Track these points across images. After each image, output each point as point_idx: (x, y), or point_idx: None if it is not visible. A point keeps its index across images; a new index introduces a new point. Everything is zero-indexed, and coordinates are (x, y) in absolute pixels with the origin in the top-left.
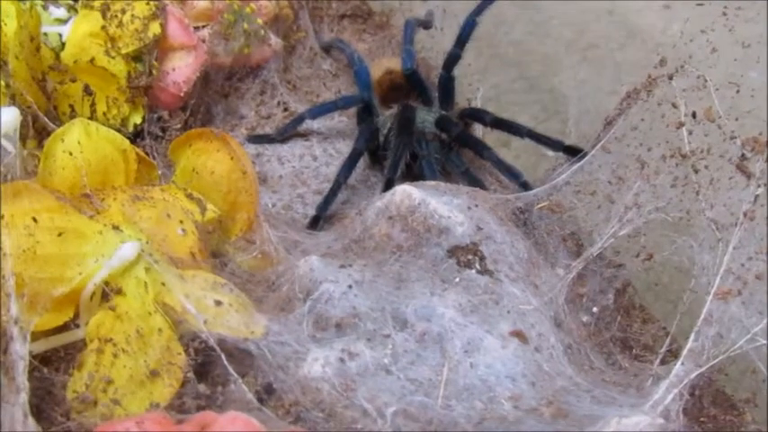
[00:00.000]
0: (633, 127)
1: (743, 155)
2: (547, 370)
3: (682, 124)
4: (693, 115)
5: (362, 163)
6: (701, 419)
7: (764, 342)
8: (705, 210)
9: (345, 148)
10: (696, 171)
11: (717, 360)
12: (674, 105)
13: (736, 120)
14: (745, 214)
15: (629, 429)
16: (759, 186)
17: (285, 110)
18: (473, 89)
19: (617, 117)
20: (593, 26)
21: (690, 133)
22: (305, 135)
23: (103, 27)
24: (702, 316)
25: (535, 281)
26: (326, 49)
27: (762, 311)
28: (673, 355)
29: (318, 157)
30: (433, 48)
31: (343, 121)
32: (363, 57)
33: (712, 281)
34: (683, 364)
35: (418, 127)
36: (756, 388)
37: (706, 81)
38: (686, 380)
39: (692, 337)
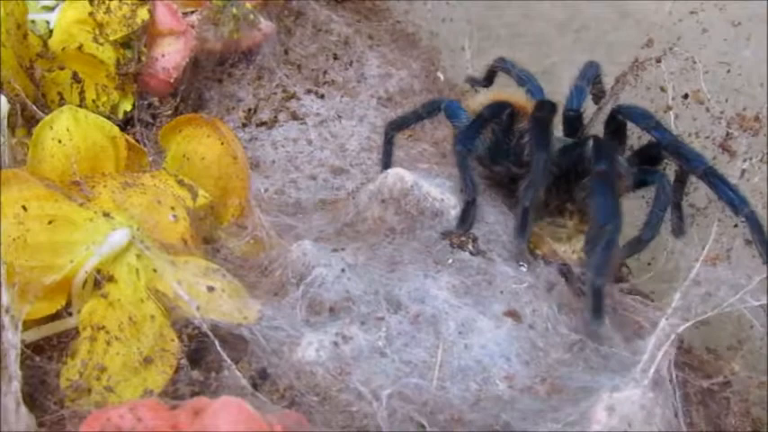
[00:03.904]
0: None
1: (727, 133)
2: (541, 346)
3: (669, 108)
4: (686, 96)
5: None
6: (691, 365)
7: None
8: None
9: (342, 131)
10: None
11: (704, 316)
12: (663, 89)
13: (726, 101)
14: None
15: (621, 403)
16: (745, 161)
17: (284, 91)
18: (465, 71)
19: (608, 101)
20: (585, 7)
21: (676, 117)
22: (301, 118)
23: (91, 13)
24: (691, 276)
25: (529, 257)
26: (487, 75)
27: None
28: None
29: (313, 141)
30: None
31: (343, 101)
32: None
33: (698, 252)
34: (667, 318)
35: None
36: (742, 336)
37: (695, 63)
38: (673, 335)
39: (678, 295)
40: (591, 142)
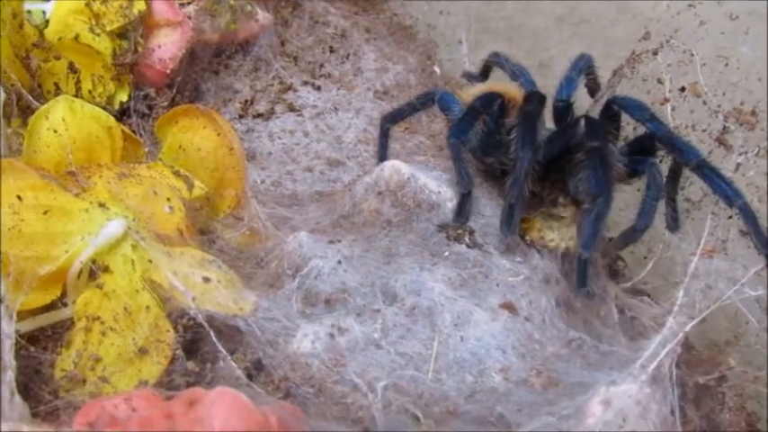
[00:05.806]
0: None
1: (724, 127)
2: (537, 339)
3: (666, 100)
4: (683, 89)
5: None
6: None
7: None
8: (682, 186)
9: (338, 123)
10: None
11: (707, 311)
12: (660, 81)
13: (724, 94)
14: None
15: (617, 398)
16: (741, 155)
17: (281, 83)
18: (462, 65)
19: (604, 94)
20: (583, 2)
21: (673, 109)
22: (298, 110)
23: (87, 4)
24: (690, 271)
25: (526, 250)
26: (483, 70)
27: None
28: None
29: (310, 133)
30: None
31: (340, 93)
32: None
33: (694, 246)
34: (674, 317)
35: None
36: (738, 331)
37: (692, 55)
38: (681, 333)
39: (681, 292)
40: (583, 121)
